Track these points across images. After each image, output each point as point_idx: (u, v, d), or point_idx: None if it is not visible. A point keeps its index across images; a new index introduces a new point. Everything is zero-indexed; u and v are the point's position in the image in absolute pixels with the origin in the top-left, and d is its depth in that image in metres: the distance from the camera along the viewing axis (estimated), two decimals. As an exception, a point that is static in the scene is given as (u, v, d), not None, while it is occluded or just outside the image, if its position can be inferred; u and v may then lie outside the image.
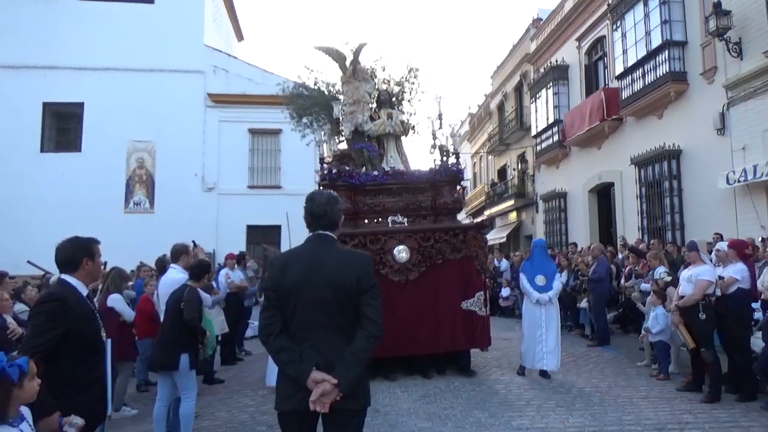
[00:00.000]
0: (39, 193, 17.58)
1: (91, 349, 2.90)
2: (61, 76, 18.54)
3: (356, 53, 8.58)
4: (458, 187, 8.19)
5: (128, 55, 18.68)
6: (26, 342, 2.79)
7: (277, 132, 19.70)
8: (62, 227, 17.03)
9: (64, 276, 3.00)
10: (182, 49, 19.04)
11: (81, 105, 18.87)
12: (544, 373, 6.92)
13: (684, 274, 5.99)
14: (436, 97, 8.66)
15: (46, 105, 18.79)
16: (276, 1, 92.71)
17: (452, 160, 8.07)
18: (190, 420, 4.70)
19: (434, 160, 8.26)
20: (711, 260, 6.36)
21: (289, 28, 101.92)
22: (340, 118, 8.52)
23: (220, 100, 19.43)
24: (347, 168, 7.80)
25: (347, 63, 8.73)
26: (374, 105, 9.11)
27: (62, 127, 19.61)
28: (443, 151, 8.17)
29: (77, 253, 3.02)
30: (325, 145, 8.21)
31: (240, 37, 28.12)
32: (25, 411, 2.24)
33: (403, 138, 9.00)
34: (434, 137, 8.38)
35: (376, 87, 9.41)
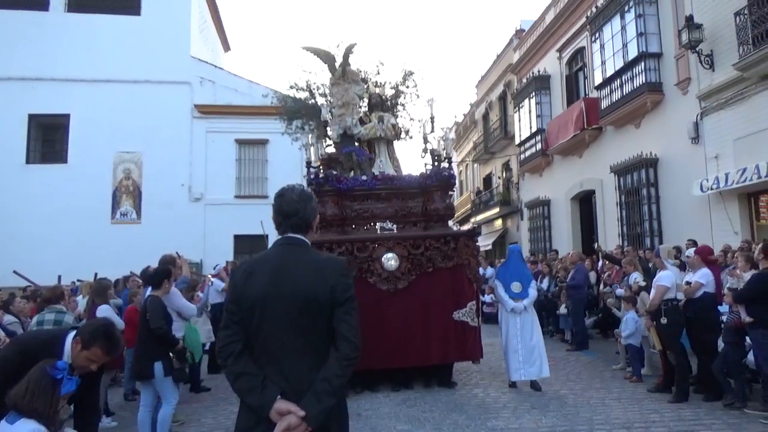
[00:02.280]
0: (25, 205, 17.56)
1: None
2: (47, 88, 18.58)
3: (346, 54, 8.38)
4: (450, 193, 7.95)
5: (115, 67, 18.76)
6: None
7: (264, 142, 19.87)
8: (49, 238, 17.15)
9: (71, 334, 3.05)
10: (169, 60, 19.17)
11: (67, 116, 18.90)
12: (522, 384, 6.75)
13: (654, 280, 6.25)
14: (427, 100, 8.35)
15: (31, 117, 18.81)
16: (263, 12, 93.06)
17: (444, 164, 7.79)
18: (166, 424, 4.84)
19: (425, 165, 7.99)
20: (684, 265, 6.65)
21: (277, 38, 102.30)
22: (329, 120, 8.28)
23: (207, 110, 19.57)
24: (335, 172, 7.57)
25: (336, 64, 8.53)
26: (365, 108, 8.89)
27: (48, 138, 19.61)
28: (435, 155, 7.88)
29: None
30: (312, 148, 7.90)
31: (227, 47, 28.31)
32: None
33: (395, 142, 8.80)
34: (425, 141, 8.13)
35: (367, 90, 9.18)
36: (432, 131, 8.16)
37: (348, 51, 8.35)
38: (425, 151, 8.10)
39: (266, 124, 18.68)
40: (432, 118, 8.16)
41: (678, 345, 5.91)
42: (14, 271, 7.90)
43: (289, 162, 18.79)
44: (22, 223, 17.37)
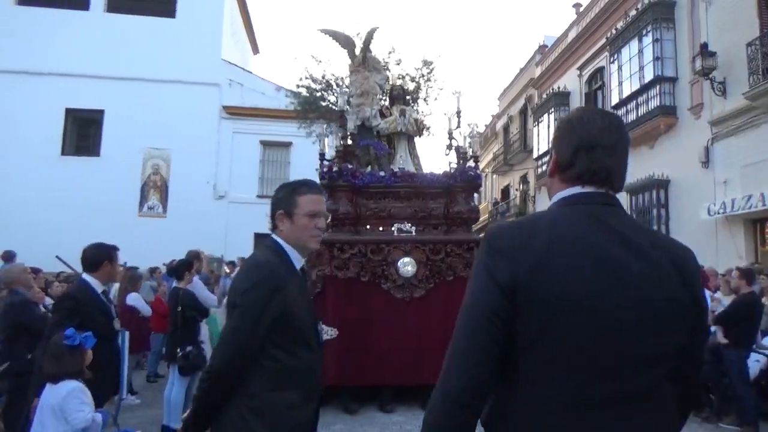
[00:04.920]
0: (59, 195, 18.34)
1: (102, 336, 3.35)
2: (83, 84, 19.35)
3: (367, 40, 7.80)
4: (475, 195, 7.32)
5: (149, 66, 19.52)
6: (49, 330, 3.46)
7: (287, 144, 20.52)
8: (79, 227, 17.89)
9: (84, 275, 3.68)
10: (200, 62, 19.88)
11: (101, 112, 19.72)
12: None
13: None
14: (454, 93, 7.73)
15: (68, 111, 19.66)
16: (293, 16, 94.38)
17: (470, 163, 7.20)
18: (179, 405, 5.32)
19: (449, 163, 7.35)
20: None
21: (305, 41, 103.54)
22: (346, 110, 7.72)
23: (234, 112, 20.26)
24: (350, 166, 6.95)
25: (356, 50, 7.96)
26: (386, 101, 8.27)
27: (83, 132, 20.46)
28: (460, 153, 7.29)
29: (100, 256, 3.67)
30: (326, 139, 7.47)
31: (256, 50, 29.10)
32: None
33: (416, 139, 8.23)
34: (450, 137, 7.51)
35: (389, 80, 8.62)
36: (458, 126, 7.55)
37: (370, 36, 7.76)
38: (450, 147, 7.51)
39: (290, 127, 19.31)
40: (458, 112, 7.55)
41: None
42: (57, 257, 8.43)
43: (311, 165, 19.26)
44: (54, 211, 18.13)
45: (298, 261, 2.20)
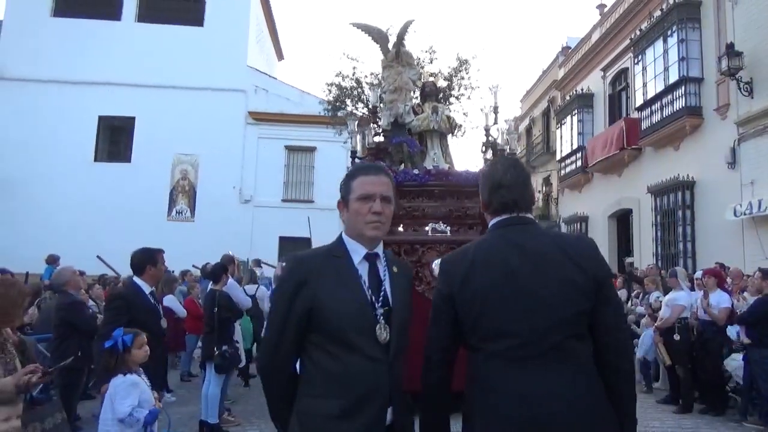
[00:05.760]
0: (92, 200, 18.91)
1: (150, 334, 3.50)
2: (115, 92, 19.94)
3: (400, 34, 7.65)
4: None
5: (178, 74, 20.01)
6: (101, 327, 3.75)
7: (311, 149, 20.84)
8: (112, 232, 18.39)
9: (134, 277, 3.95)
10: (227, 69, 20.31)
11: (132, 119, 20.30)
12: None
13: (665, 299, 6.69)
14: (491, 88, 7.55)
15: (101, 118, 20.29)
16: (317, 20, 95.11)
17: None
18: (216, 400, 5.57)
19: (485, 160, 7.23)
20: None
21: (330, 45, 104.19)
22: (378, 106, 7.61)
23: (259, 117, 20.64)
24: (383, 164, 6.39)
25: (389, 45, 7.80)
26: (417, 98, 8.13)
27: (115, 139, 21.10)
28: (497, 149, 7.10)
29: (144, 260, 3.93)
30: (358, 136, 7.24)
31: (280, 56, 29.55)
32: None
33: (448, 138, 8.09)
34: (487, 133, 7.36)
35: (422, 76, 8.51)
36: (495, 123, 7.40)
37: (404, 29, 7.60)
38: (486, 145, 7.38)
39: (315, 132, 19.68)
40: (495, 108, 7.38)
41: (687, 360, 6.33)
42: (98, 257, 8.63)
43: (335, 169, 19.56)
44: (87, 215, 18.69)
45: (358, 252, 1.96)
